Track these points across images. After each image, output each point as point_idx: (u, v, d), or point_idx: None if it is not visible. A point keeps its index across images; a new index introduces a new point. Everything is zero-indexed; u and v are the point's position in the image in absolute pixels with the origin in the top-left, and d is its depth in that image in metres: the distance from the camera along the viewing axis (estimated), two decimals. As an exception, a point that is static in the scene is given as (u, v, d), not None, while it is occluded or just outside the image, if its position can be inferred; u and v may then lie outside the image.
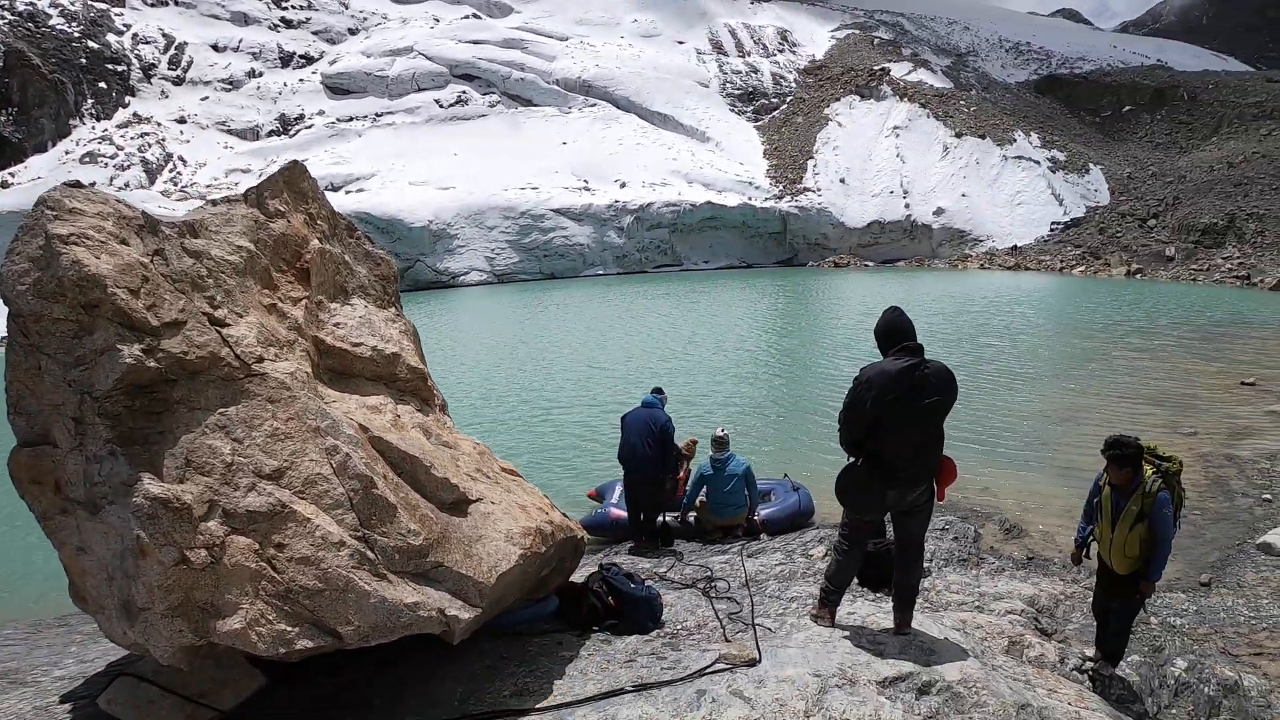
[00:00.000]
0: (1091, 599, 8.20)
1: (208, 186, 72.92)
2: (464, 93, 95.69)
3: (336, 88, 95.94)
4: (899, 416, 6.18)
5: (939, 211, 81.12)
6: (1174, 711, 7.18)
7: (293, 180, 6.66)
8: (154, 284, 4.99)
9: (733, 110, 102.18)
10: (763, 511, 12.29)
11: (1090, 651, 7.96)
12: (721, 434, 12.02)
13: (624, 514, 11.84)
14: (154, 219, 5.43)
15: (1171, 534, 7.28)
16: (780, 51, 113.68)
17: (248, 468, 4.82)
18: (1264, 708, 7.22)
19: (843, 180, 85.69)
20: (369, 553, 4.95)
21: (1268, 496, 13.69)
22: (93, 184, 5.18)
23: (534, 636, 6.94)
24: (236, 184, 76.76)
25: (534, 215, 70.81)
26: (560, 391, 23.99)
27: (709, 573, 9.30)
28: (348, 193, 70.27)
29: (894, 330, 6.39)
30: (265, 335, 5.40)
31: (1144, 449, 7.40)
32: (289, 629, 4.69)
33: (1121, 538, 7.34)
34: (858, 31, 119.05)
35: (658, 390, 12.07)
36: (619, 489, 12.42)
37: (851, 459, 6.52)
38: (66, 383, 4.83)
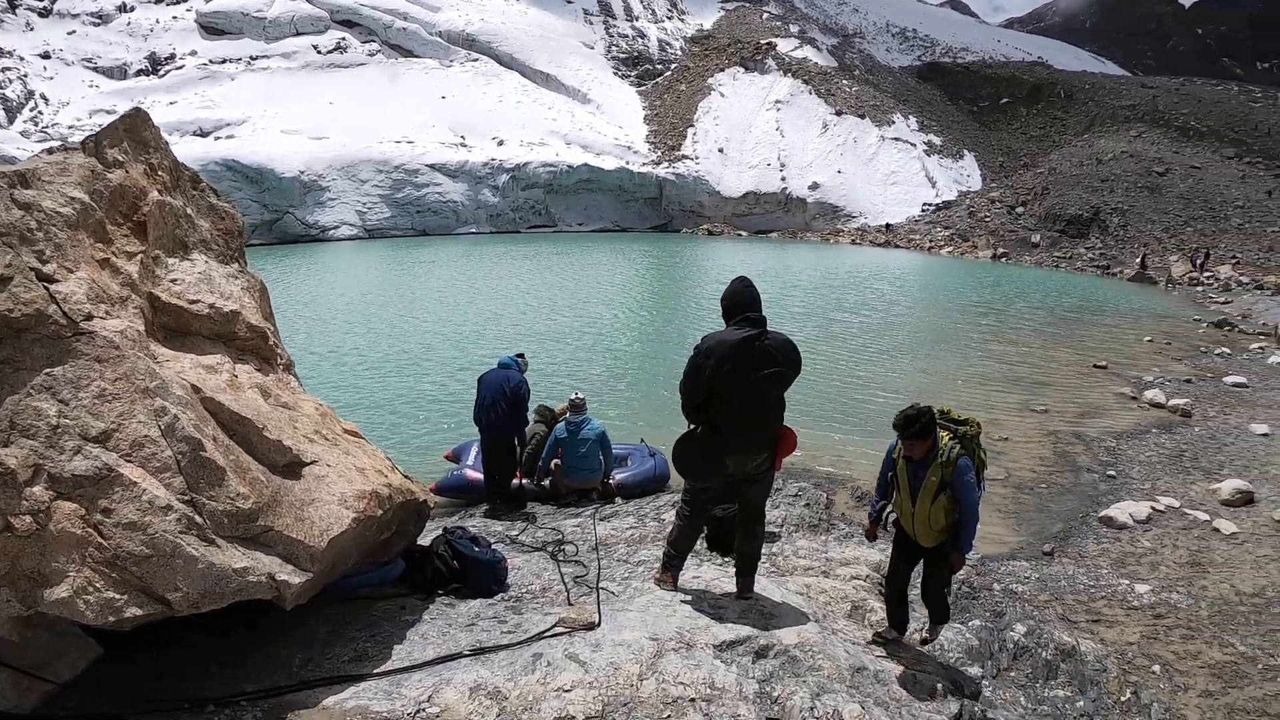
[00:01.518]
0: (889, 574, 7.62)
1: (70, 128, 69.65)
2: (343, 40, 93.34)
3: (211, 27, 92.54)
4: (737, 386, 6.33)
5: (814, 186, 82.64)
6: (1013, 674, 7.47)
7: (134, 129, 6.44)
8: (-24, 238, 4.80)
9: (616, 74, 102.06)
10: (618, 475, 12.38)
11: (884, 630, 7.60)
12: (578, 397, 12.08)
13: (480, 476, 11.81)
14: (-29, 173, 5.22)
15: (977, 500, 6.83)
16: (669, 18, 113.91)
17: (74, 430, 4.67)
18: (1100, 672, 7.56)
19: (721, 150, 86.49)
20: (197, 517, 4.85)
21: (1112, 473, 14.34)
22: None
23: (378, 601, 6.90)
24: (100, 125, 73.06)
25: (408, 170, 69.63)
26: (423, 352, 23.72)
27: (560, 536, 9.36)
28: (216, 139, 68.03)
29: (738, 301, 6.53)
30: (96, 292, 5.22)
31: (937, 415, 6.90)
32: (117, 597, 4.58)
33: (924, 511, 6.80)
34: (747, 4, 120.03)
35: (519, 355, 12.04)
36: (474, 451, 12.39)
37: (691, 426, 6.64)
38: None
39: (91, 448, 4.68)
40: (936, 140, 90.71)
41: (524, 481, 11.93)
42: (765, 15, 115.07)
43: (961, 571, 7.63)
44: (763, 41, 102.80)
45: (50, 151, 5.95)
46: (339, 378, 20.29)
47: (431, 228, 68.83)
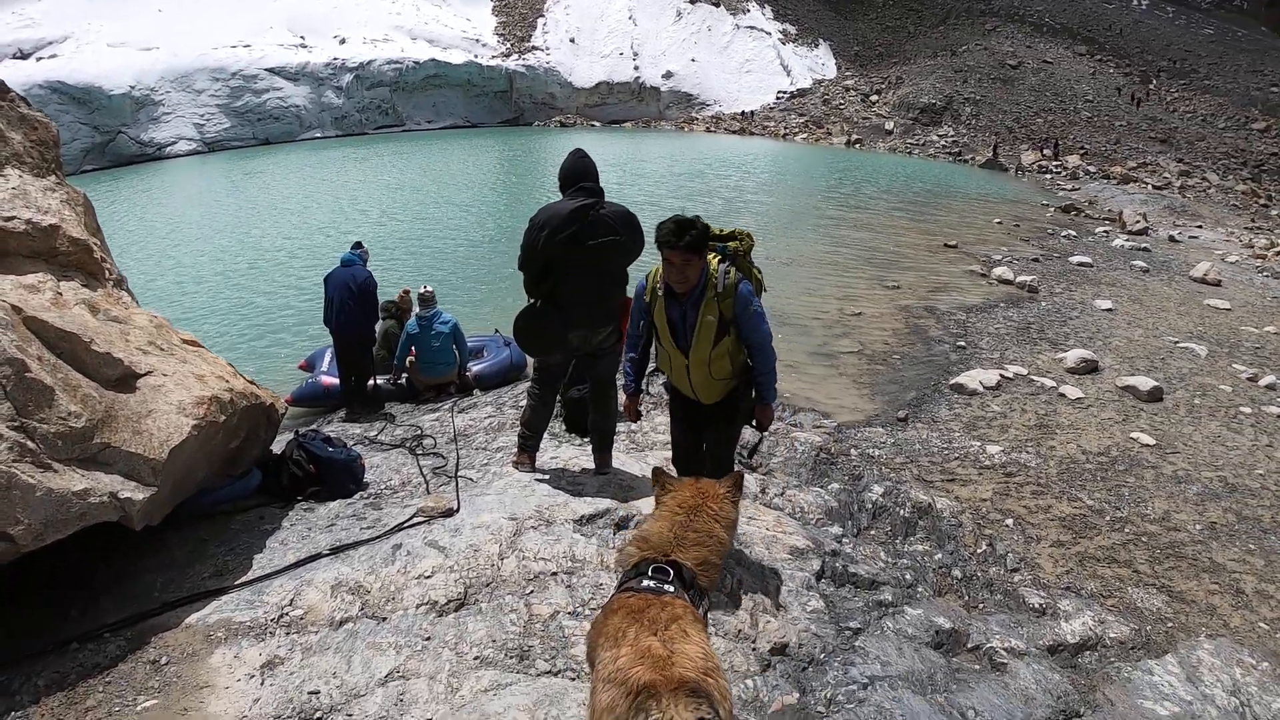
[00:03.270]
0: (671, 454, 6.64)
1: None
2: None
3: None
4: (572, 257, 6.37)
5: (668, 75, 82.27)
6: (873, 532, 7.78)
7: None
8: None
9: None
10: (475, 368, 12.44)
11: None
12: (426, 291, 11.95)
13: (335, 381, 11.73)
14: None
15: (770, 332, 5.80)
16: None
17: (-120, 366, 4.49)
18: (955, 526, 7.94)
19: (573, 40, 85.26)
20: (29, 443, 4.69)
21: (961, 344, 14.94)
22: None
23: (237, 514, 6.83)
24: None
25: (246, 76, 66.78)
26: (268, 266, 23.24)
27: (419, 431, 9.38)
28: (39, 60, 63.96)
29: (573, 171, 6.57)
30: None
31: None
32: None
33: (703, 360, 5.70)
34: None
35: (357, 245, 11.87)
36: (329, 356, 12.28)
37: (532, 301, 6.67)
38: None
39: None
40: (791, 29, 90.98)
41: (379, 381, 11.89)
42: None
43: (772, 425, 6.96)
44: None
45: None
46: (182, 299, 19.76)
47: (274, 135, 66.36)
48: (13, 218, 5.78)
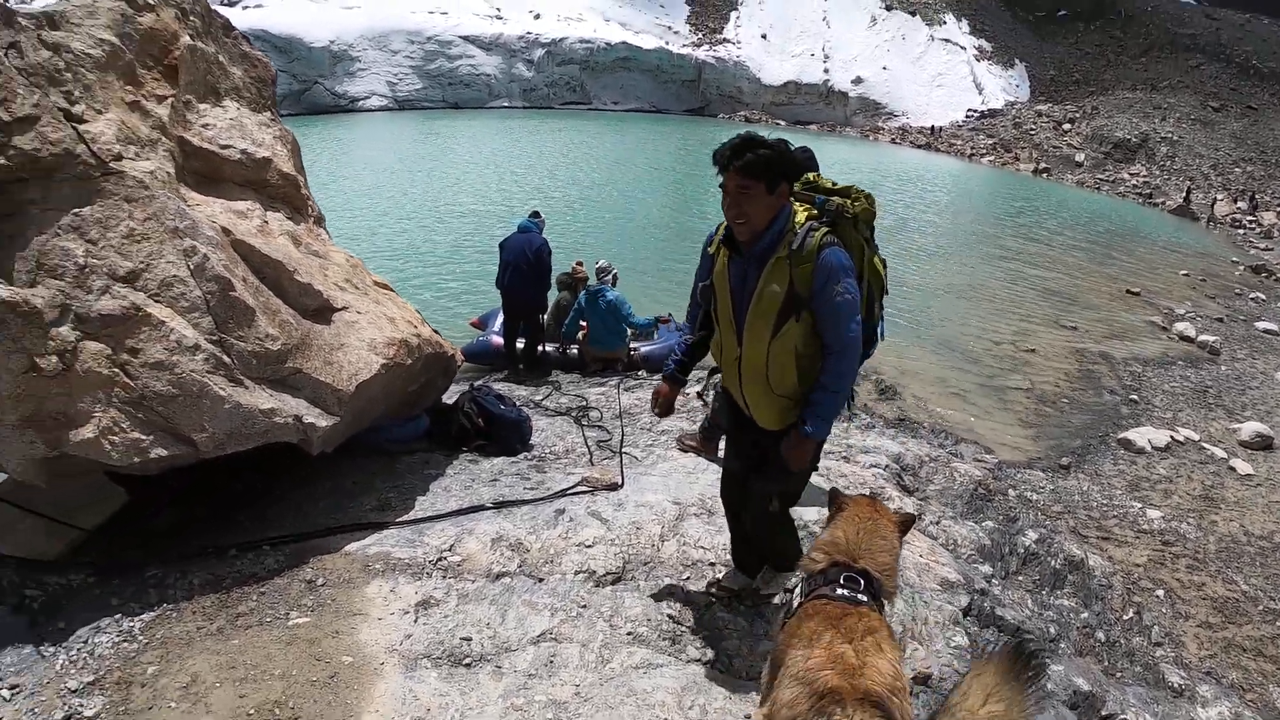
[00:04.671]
0: (722, 483, 5.09)
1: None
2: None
3: None
4: None
5: (858, 81, 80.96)
6: (1021, 577, 7.53)
7: (183, -24, 6.30)
8: (6, 77, 4.72)
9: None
10: (642, 349, 12.40)
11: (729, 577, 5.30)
12: (603, 264, 11.96)
13: (504, 342, 11.86)
14: (9, 10, 5.13)
15: (858, 333, 4.09)
16: None
17: (102, 270, 4.66)
18: (1105, 587, 7.65)
19: (764, 36, 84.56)
20: (225, 357, 4.87)
21: (1134, 398, 14.43)
22: None
23: (403, 455, 7.01)
24: None
25: (441, 41, 68.31)
26: (455, 221, 23.76)
27: (584, 403, 9.41)
28: (245, 9, 66.65)
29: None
30: (125, 133, 5.16)
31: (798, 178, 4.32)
32: (143, 437, 4.62)
33: (759, 354, 4.14)
34: None
35: (535, 214, 11.96)
36: (500, 317, 12.43)
37: None
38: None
39: (119, 287, 4.67)
40: (987, 46, 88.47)
41: (548, 348, 11.97)
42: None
43: (811, 472, 4.70)
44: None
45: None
46: (368, 241, 20.34)
47: (464, 101, 67.77)
48: (229, 146, 5.99)
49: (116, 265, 4.71)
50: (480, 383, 8.53)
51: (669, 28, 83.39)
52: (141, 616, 4.60)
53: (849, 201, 4.30)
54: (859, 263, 4.24)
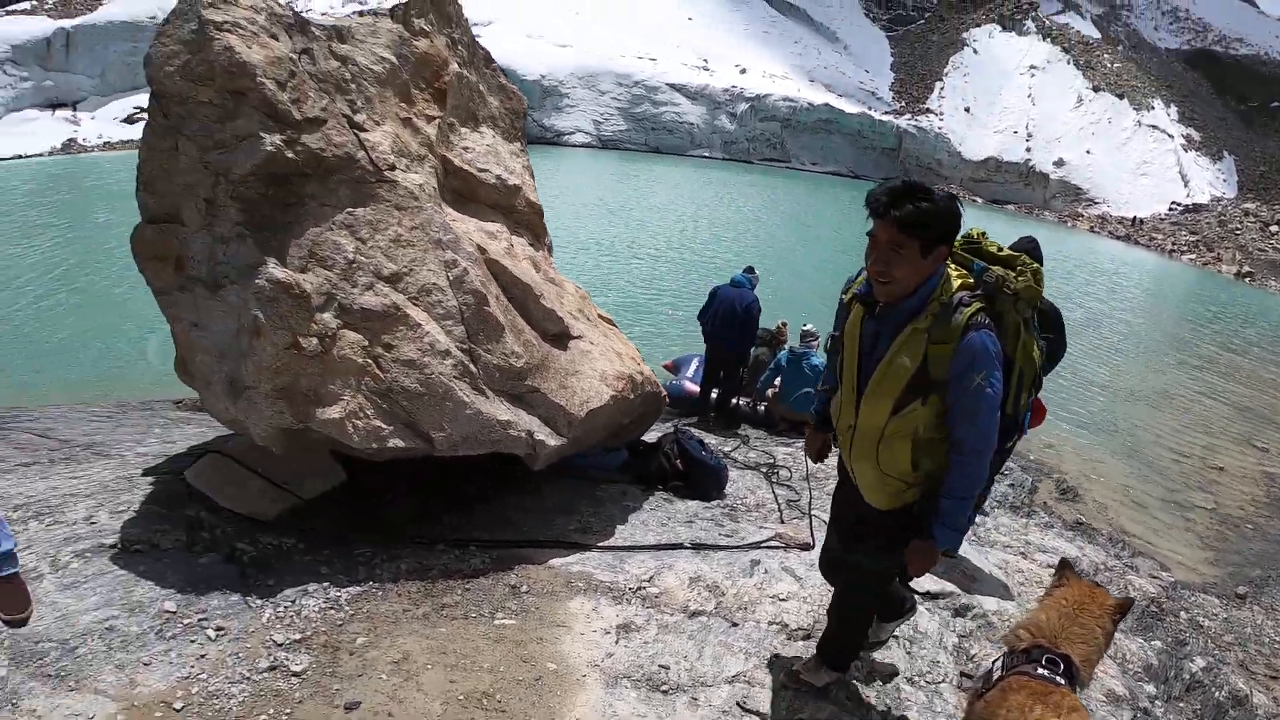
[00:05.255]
0: (820, 562, 4.80)
1: (323, 15, 72.95)
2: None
3: None
4: None
5: (1060, 163, 78.53)
6: (1183, 704, 7.25)
7: (440, 2, 6.69)
8: (300, 80, 5.12)
9: (867, 15, 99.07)
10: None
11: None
12: (808, 328, 11.97)
13: (697, 389, 11.97)
14: (304, 19, 5.55)
15: (994, 426, 3.54)
16: None
17: (368, 268, 4.99)
18: None
19: (967, 109, 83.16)
20: (472, 366, 5.15)
21: None
22: None
23: (601, 483, 7.18)
24: (358, 11, 76.55)
25: (648, 86, 69.55)
26: (651, 263, 24.12)
27: (772, 460, 9.44)
28: (465, 37, 69.85)
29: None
30: (399, 146, 5.53)
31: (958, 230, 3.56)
32: (384, 426, 4.91)
33: (874, 425, 3.66)
34: None
35: (749, 269, 12.06)
36: (695, 363, 12.53)
37: None
38: (203, 164, 4.98)
39: (382, 286, 5.00)
40: (1196, 135, 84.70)
41: (740, 401, 12.04)
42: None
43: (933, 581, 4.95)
44: (1024, 1, 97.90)
45: (360, 14, 6.28)
46: (565, 273, 20.84)
47: (664, 146, 68.72)
48: (486, 170, 6.33)
49: (382, 265, 5.04)
50: (683, 426, 8.66)
51: (872, 93, 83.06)
52: (349, 589, 4.90)
53: (1012, 274, 3.69)
54: (1012, 347, 3.70)
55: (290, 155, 4.91)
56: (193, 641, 4.31)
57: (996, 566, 7.39)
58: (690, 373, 12.54)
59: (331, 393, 4.82)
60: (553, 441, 5.49)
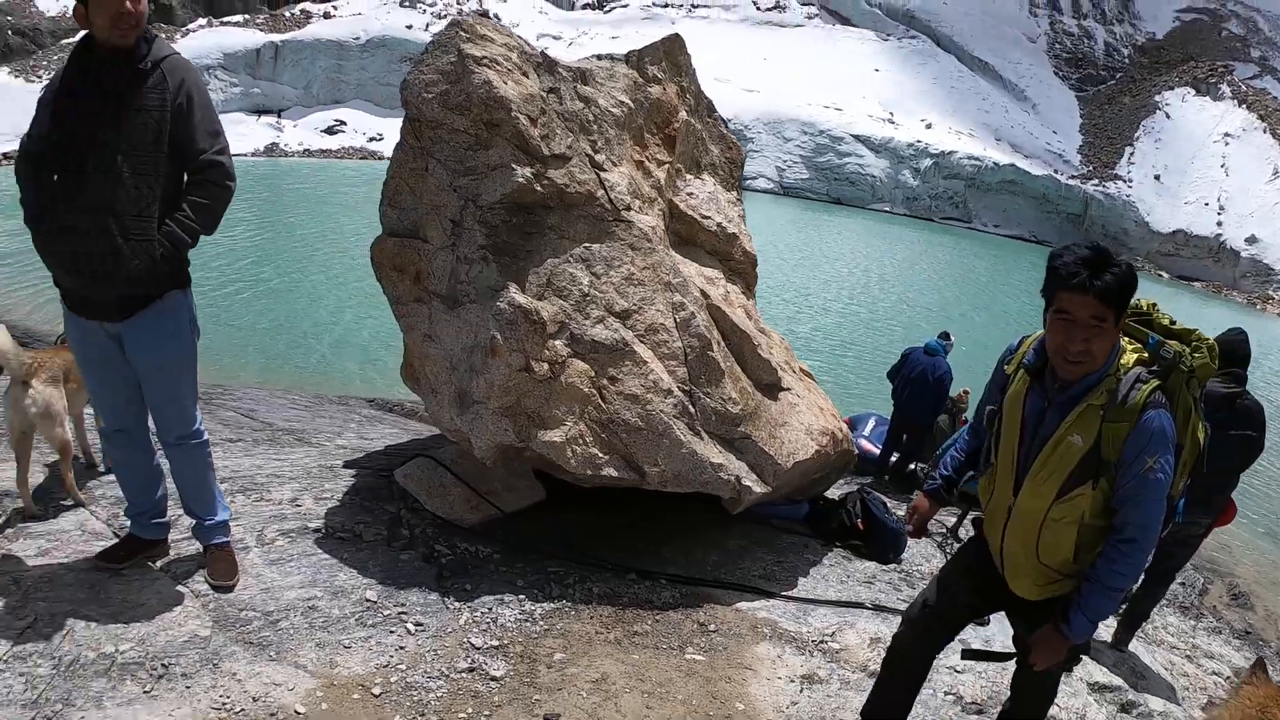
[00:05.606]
0: (898, 635, 4.24)
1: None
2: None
3: None
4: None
5: (1252, 240, 74.03)
6: None
7: (672, 52, 6.94)
8: (549, 117, 5.41)
9: (1057, 74, 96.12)
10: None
11: None
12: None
13: (874, 449, 11.92)
14: (551, 59, 5.85)
15: (1159, 522, 3.27)
16: (1119, 21, 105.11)
17: (600, 302, 5.24)
18: None
19: (1158, 177, 79.49)
20: (690, 407, 5.33)
21: None
22: (487, 11, 5.53)
23: (782, 533, 7.26)
24: (547, 48, 78.36)
25: (833, 136, 69.26)
26: (833, 313, 24.08)
27: (945, 529, 9.38)
28: (652, 79, 71.16)
29: (1233, 354, 6.20)
30: (633, 187, 5.76)
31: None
32: (600, 455, 5.13)
33: (1035, 510, 3.36)
34: (1206, 18, 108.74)
35: (944, 335, 11.99)
36: (871, 422, 12.48)
37: None
38: (452, 188, 5.33)
39: (613, 321, 5.24)
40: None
41: (916, 466, 11.96)
42: (1224, 33, 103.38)
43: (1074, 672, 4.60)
44: (1219, 64, 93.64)
45: (599, 58, 6.56)
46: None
47: (846, 197, 68.15)
48: (708, 216, 6.53)
49: (614, 301, 5.27)
50: (867, 484, 8.69)
51: (1059, 155, 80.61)
52: (542, 604, 5.10)
53: (1188, 350, 3.34)
54: (1182, 429, 3.32)
55: (538, 188, 5.20)
56: (392, 632, 4.56)
57: (1163, 666, 7.22)
58: (866, 431, 12.49)
59: (555, 417, 5.06)
60: (758, 489, 5.61)
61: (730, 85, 70.54)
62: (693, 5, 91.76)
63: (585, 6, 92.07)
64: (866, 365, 18.33)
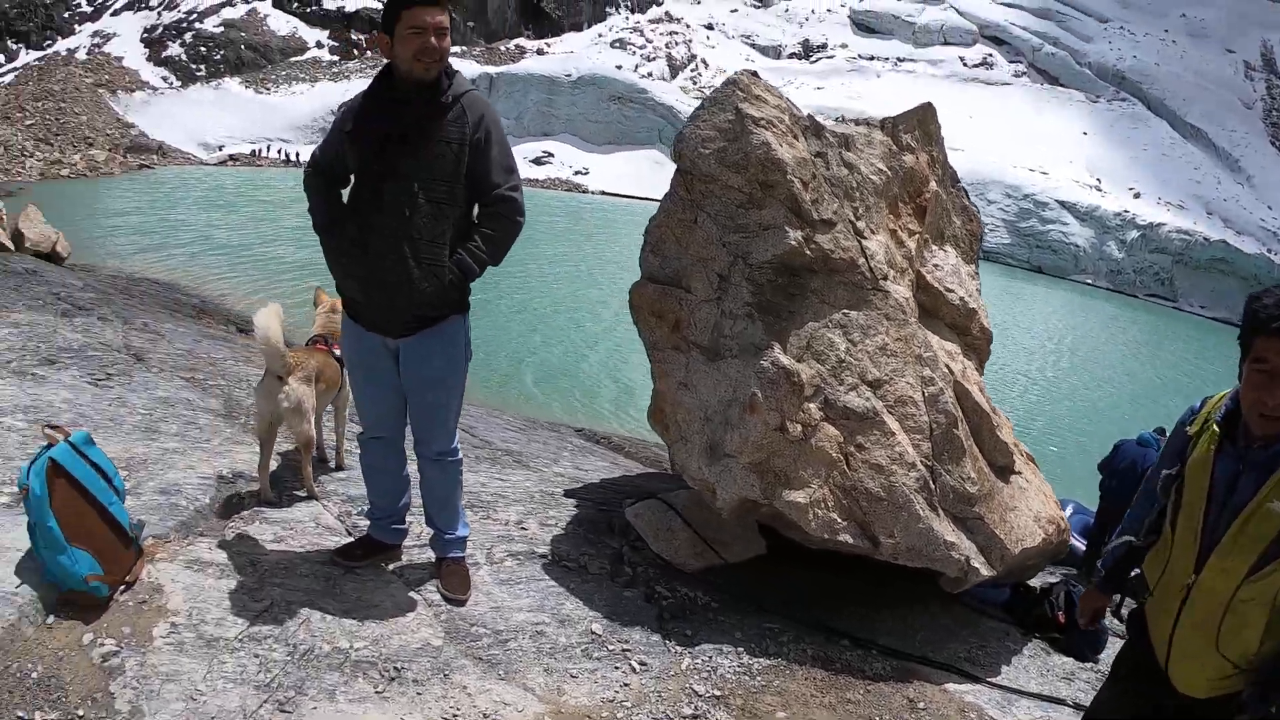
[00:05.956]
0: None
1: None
2: (990, 56, 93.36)
3: (862, 24, 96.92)
4: None
5: None
6: None
7: (924, 120, 6.94)
8: (818, 182, 5.55)
9: (1273, 143, 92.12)
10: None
11: None
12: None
13: (1079, 544, 11.61)
14: (818, 123, 5.97)
15: None
16: None
17: (854, 369, 5.34)
18: None
19: (1378, 259, 75.33)
20: (931, 483, 5.37)
21: None
22: (757, 72, 5.57)
23: (983, 616, 7.17)
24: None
25: (1037, 201, 67.68)
26: (1033, 390, 23.53)
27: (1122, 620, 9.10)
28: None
29: None
30: (888, 257, 5.84)
31: None
32: (839, 520, 5.21)
33: (1223, 587, 2.97)
34: None
35: (1159, 431, 11.62)
36: (1070, 509, 12.17)
37: None
38: (722, 243, 5.51)
39: (865, 389, 5.33)
40: None
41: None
42: None
43: None
44: None
45: (855, 123, 6.63)
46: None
47: (1046, 265, 66.49)
48: (952, 290, 6.54)
49: (866, 370, 5.37)
50: (1072, 578, 8.47)
51: (1275, 234, 76.84)
52: (759, 659, 5.17)
53: None
54: None
55: (807, 252, 5.36)
56: (617, 668, 4.69)
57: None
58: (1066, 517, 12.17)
59: (801, 478, 5.17)
60: (985, 572, 5.59)
61: (935, 142, 69.60)
62: (898, 59, 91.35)
63: (791, 56, 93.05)
64: (1067, 448, 17.84)
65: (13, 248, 16.71)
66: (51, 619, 4.00)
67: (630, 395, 18.03)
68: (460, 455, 4.95)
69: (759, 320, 5.31)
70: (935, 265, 6.58)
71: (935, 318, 6.48)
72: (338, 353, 5.87)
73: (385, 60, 4.30)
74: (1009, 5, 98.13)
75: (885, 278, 5.66)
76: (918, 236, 6.40)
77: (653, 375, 6.02)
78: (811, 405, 5.19)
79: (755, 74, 5.86)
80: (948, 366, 5.89)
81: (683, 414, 5.60)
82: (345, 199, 4.55)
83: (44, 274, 14.15)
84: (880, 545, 5.25)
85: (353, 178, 4.41)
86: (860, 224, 5.76)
